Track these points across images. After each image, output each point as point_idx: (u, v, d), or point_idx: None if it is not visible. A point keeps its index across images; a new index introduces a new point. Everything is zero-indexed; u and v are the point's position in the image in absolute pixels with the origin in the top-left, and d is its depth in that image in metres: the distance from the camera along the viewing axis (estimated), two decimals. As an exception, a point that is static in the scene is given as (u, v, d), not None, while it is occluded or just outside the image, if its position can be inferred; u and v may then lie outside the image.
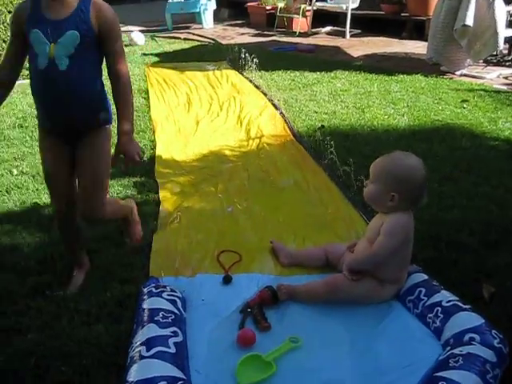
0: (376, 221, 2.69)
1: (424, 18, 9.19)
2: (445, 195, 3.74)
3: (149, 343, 2.12)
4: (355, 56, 8.37)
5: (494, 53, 7.58)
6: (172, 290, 2.57)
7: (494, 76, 7.20)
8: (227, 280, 2.79)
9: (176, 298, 2.51)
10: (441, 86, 6.69)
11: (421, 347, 2.34)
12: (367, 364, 2.27)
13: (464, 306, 2.42)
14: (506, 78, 7.21)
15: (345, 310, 2.58)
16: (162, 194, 3.72)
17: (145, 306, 2.40)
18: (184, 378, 2.02)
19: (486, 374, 2.04)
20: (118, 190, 3.78)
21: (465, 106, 5.87)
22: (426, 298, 2.52)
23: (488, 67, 7.61)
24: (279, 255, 2.98)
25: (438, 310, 2.43)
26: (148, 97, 6.19)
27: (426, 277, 2.68)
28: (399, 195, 2.53)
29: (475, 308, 2.45)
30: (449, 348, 2.22)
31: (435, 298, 2.50)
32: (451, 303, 2.44)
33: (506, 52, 7.91)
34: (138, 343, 2.13)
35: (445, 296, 2.49)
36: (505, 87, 6.78)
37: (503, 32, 6.95)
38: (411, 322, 2.50)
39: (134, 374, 1.98)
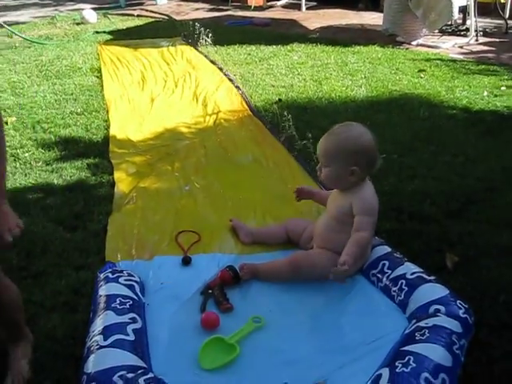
0: (339, 198, 2.61)
1: (379, -11, 9.15)
2: (405, 166, 3.72)
3: (106, 331, 2.02)
4: (311, 29, 8.30)
5: (449, 22, 7.61)
6: (129, 275, 2.46)
7: (449, 45, 7.22)
8: (186, 261, 2.70)
9: (134, 283, 2.41)
10: (397, 56, 6.67)
11: (386, 321, 2.29)
12: (332, 341, 2.22)
13: (428, 278, 2.38)
14: (461, 47, 7.23)
15: (307, 287, 2.52)
16: (117, 174, 3.60)
17: (101, 292, 2.29)
18: (144, 366, 1.93)
19: (453, 346, 2.00)
20: (72, 172, 3.65)
21: (422, 75, 5.87)
22: (389, 271, 2.48)
23: (443, 37, 7.63)
24: (239, 234, 2.90)
25: (402, 283, 2.38)
26: (101, 75, 6.02)
27: (389, 249, 2.64)
28: (359, 168, 2.48)
29: (439, 278, 2.42)
30: (414, 321, 2.19)
31: (399, 270, 2.45)
32: (415, 275, 2.40)
33: (460, 21, 7.94)
34: (96, 332, 2.03)
35: (409, 268, 2.45)
36: (460, 56, 6.80)
37: (457, 1, 6.97)
38: (376, 296, 2.46)
39: (91, 364, 1.88)
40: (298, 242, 2.80)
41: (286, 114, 4.30)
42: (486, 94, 5.26)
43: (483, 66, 6.34)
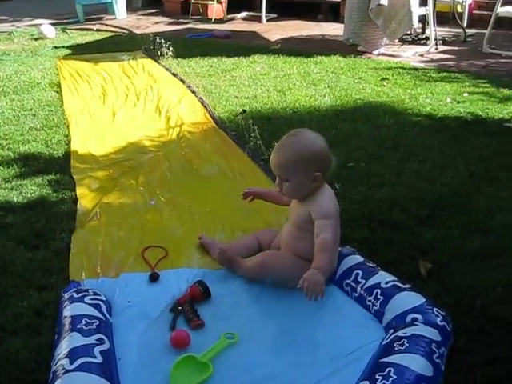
0: (299, 206, 2.56)
1: (339, 0, 9.18)
2: (373, 173, 3.69)
3: (72, 355, 1.92)
4: (273, 40, 8.27)
5: (409, 31, 7.67)
6: (95, 294, 2.36)
7: (410, 54, 7.27)
8: (154, 278, 2.60)
9: (100, 302, 2.30)
10: (360, 65, 6.67)
11: (363, 332, 2.24)
12: (308, 355, 2.15)
13: (403, 286, 2.34)
14: (421, 55, 7.29)
15: (280, 300, 2.46)
16: (80, 190, 3.48)
17: (66, 313, 2.18)
18: (113, 389, 1.84)
19: (433, 355, 1.97)
20: (32, 189, 3.51)
21: (385, 84, 5.88)
22: (363, 281, 2.43)
23: (404, 46, 7.70)
24: (211, 251, 2.81)
25: (377, 292, 2.34)
26: (60, 90, 5.85)
27: (361, 258, 2.59)
28: (321, 172, 2.45)
29: (414, 286, 2.39)
30: (392, 331, 2.14)
31: (373, 279, 2.41)
32: (390, 284, 2.36)
33: (419, 30, 8.02)
34: (61, 356, 1.92)
35: (383, 277, 2.41)
36: (421, 64, 6.85)
37: (417, 10, 7.05)
38: (350, 307, 2.41)
39: (57, 390, 1.78)
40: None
41: (250, 124, 4.23)
42: (449, 100, 5.28)
43: (444, 74, 6.39)
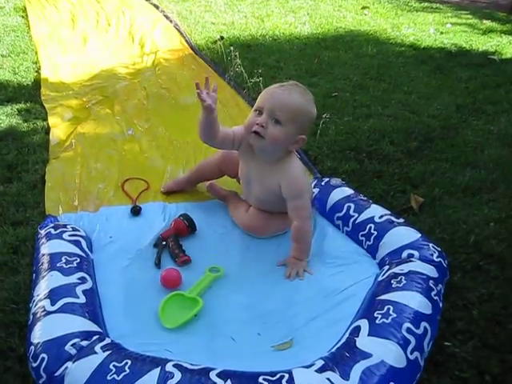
0: (266, 176, 2.27)
1: None
2: (359, 104, 3.58)
3: (53, 295, 1.79)
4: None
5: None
6: (74, 229, 2.21)
7: (390, -19, 7.04)
8: (136, 211, 2.47)
9: (80, 238, 2.16)
10: (339, -7, 6.46)
11: (356, 268, 2.16)
12: (301, 292, 2.07)
13: (397, 221, 2.26)
14: (402, -17, 7.07)
15: (269, 238, 2.37)
16: (52, 120, 3.28)
17: (44, 250, 2.04)
18: (99, 330, 1.72)
19: (431, 292, 1.89)
20: (1, 119, 3.30)
21: (366, 12, 5.70)
22: (356, 215, 2.33)
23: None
24: (180, 187, 2.66)
25: (370, 227, 2.25)
26: (26, 15, 5.53)
27: (351, 191, 2.49)
28: (304, 138, 2.21)
29: (407, 221, 2.30)
30: (387, 267, 2.06)
31: (366, 213, 2.31)
32: (384, 218, 2.26)
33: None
34: (41, 296, 1.79)
35: (376, 211, 2.31)
36: (402, -7, 6.65)
37: None
38: (342, 242, 2.32)
39: (39, 333, 1.65)
40: (234, 177, 2.59)
41: (231, 51, 4.03)
42: (432, 31, 5.16)
43: (426, 4, 6.26)
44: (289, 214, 2.24)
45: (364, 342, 1.68)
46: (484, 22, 5.62)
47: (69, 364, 1.58)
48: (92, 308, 1.82)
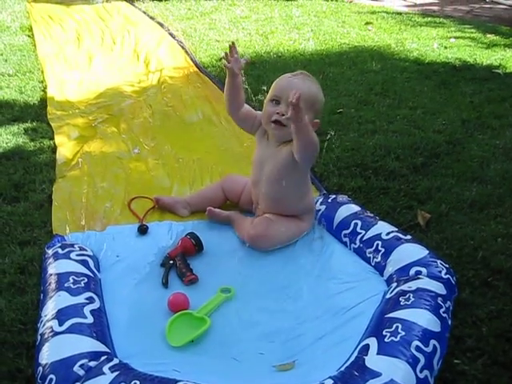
0: (279, 152, 2.34)
1: None
2: (364, 120, 3.58)
3: (61, 315, 1.79)
4: (251, -18, 8.01)
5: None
6: (81, 249, 2.22)
7: (392, -2, 7.11)
8: (143, 230, 2.47)
9: (87, 258, 2.17)
10: (342, 9, 6.53)
11: (364, 285, 2.15)
12: (308, 310, 2.06)
13: (405, 238, 2.25)
14: (404, -1, 7.13)
15: (277, 254, 2.36)
16: (58, 139, 3.30)
17: (51, 270, 2.04)
18: (107, 350, 1.72)
19: (439, 309, 1.89)
20: (7, 138, 3.32)
21: (369, 28, 5.72)
22: (363, 232, 2.33)
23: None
24: (176, 209, 2.62)
25: (378, 244, 2.24)
26: (32, 34, 5.58)
27: (358, 208, 2.49)
28: (318, 122, 2.35)
29: (414, 237, 2.30)
30: (395, 284, 2.05)
31: (373, 230, 2.31)
32: (391, 235, 2.26)
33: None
34: (49, 317, 1.79)
35: (383, 228, 2.31)
36: (405, 9, 6.72)
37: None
38: (349, 259, 2.31)
39: (47, 354, 1.65)
40: (237, 202, 2.63)
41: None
42: (436, 45, 5.17)
43: (429, 19, 6.27)
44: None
45: (373, 360, 1.67)
46: (488, 35, 5.63)
47: (77, 385, 1.57)
48: (100, 328, 1.82)
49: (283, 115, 2.24)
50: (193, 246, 2.33)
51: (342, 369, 1.69)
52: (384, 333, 1.77)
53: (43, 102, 3.88)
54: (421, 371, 1.64)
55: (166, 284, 2.16)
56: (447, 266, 2.11)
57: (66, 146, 3.21)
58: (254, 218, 2.46)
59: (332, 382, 1.60)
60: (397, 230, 2.31)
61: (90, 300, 1.92)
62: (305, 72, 2.38)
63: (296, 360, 1.83)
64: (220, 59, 4.67)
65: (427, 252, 2.16)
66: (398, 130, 3.42)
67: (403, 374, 1.62)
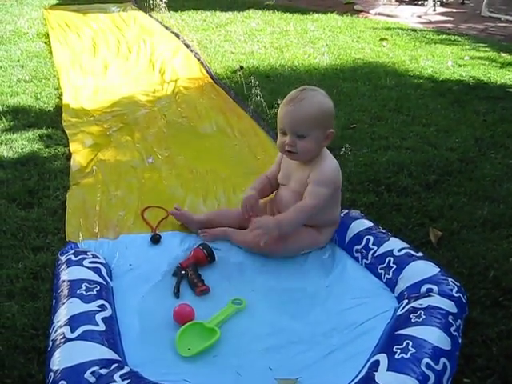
0: (300, 170, 2.39)
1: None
2: (377, 136, 3.58)
3: (73, 322, 1.80)
4: (266, -5, 8.08)
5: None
6: (94, 256, 2.23)
7: (407, 15, 7.14)
8: (156, 240, 2.48)
9: (100, 265, 2.18)
10: (357, 24, 6.54)
11: (375, 301, 2.15)
12: (319, 324, 2.05)
13: (417, 255, 2.25)
14: (419, 16, 7.16)
15: (287, 263, 2.37)
16: (73, 146, 3.33)
17: (64, 277, 2.06)
18: (118, 358, 1.73)
19: (450, 327, 1.88)
20: (23, 144, 3.36)
21: (384, 44, 5.74)
22: (375, 247, 2.33)
23: (401, 6, 7.54)
24: (190, 225, 2.60)
25: (390, 261, 2.24)
26: (49, 41, 5.65)
27: (370, 223, 2.49)
28: (333, 132, 2.34)
29: (425, 254, 2.29)
30: (406, 301, 2.05)
31: (385, 246, 2.31)
32: (403, 252, 2.26)
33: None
34: (61, 323, 1.80)
35: (396, 244, 2.31)
36: (420, 25, 6.73)
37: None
38: (361, 274, 2.31)
39: (58, 360, 1.66)
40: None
41: (251, 81, 4.07)
42: (450, 63, 5.17)
43: (444, 36, 6.28)
44: (304, 194, 2.31)
45: (383, 377, 1.67)
46: (502, 54, 5.63)
47: (88, 392, 1.58)
48: (111, 336, 1.83)
49: (291, 145, 2.30)
50: (205, 257, 2.33)
51: (352, 384, 1.69)
52: (394, 349, 1.77)
53: (58, 108, 3.92)
54: (431, 389, 1.64)
55: (177, 294, 2.16)
56: (458, 284, 2.10)
57: (80, 154, 3.24)
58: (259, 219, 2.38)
59: (342, 397, 1.61)
60: (409, 246, 2.31)
61: (102, 308, 1.93)
62: (307, 87, 2.35)
63: (299, 378, 1.81)
64: (235, 71, 4.70)
65: (438, 270, 2.15)
66: (411, 147, 3.42)
67: (413, 391, 1.61)
